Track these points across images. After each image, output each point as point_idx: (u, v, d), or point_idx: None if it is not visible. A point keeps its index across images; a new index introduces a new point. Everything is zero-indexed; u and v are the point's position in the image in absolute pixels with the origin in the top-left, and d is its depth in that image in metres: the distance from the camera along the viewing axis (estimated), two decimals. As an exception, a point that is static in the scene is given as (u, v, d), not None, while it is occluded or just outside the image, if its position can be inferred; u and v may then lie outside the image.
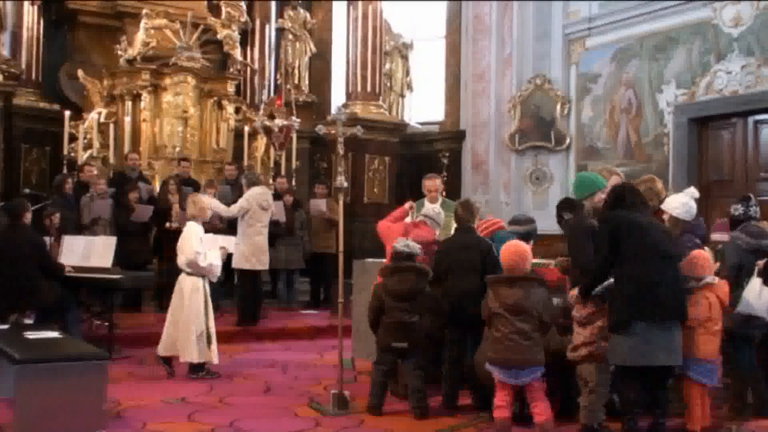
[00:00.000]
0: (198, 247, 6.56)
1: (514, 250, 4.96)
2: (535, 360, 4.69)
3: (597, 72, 12.10)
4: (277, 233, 10.22)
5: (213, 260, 6.64)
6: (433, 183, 7.29)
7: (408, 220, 6.74)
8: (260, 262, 8.93)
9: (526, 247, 5.06)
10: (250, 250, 8.83)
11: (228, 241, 9.25)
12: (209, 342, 6.59)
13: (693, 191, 5.72)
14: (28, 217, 7.07)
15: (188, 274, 6.67)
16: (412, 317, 5.47)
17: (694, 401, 4.88)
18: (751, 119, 10.24)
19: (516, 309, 4.69)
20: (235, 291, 9.88)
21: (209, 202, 9.13)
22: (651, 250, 4.61)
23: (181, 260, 6.69)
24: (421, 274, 5.55)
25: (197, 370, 6.68)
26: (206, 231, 9.58)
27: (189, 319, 6.55)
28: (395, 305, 5.49)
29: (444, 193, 7.88)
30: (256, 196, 8.93)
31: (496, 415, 4.77)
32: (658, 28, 11.21)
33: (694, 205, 5.54)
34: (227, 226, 9.52)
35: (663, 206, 5.50)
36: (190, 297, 6.60)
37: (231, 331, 8.81)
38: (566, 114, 12.50)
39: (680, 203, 5.46)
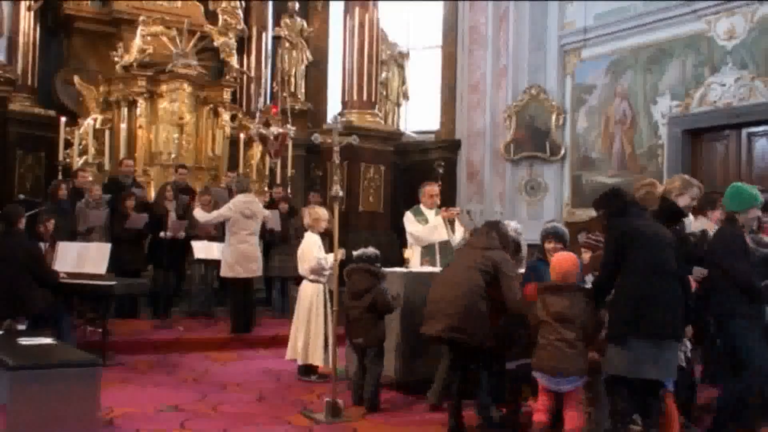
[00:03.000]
0: (319, 253, 6.81)
1: (566, 260, 4.96)
2: (577, 369, 4.69)
3: (592, 83, 12.16)
4: (271, 242, 10.24)
5: (333, 262, 6.79)
6: (435, 188, 7.55)
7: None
8: (246, 269, 8.87)
9: (576, 259, 5.04)
10: (234, 257, 8.81)
11: (218, 249, 9.31)
12: (326, 346, 6.75)
13: None
14: (22, 223, 7.05)
15: (311, 281, 6.92)
16: (363, 314, 6.00)
17: (671, 409, 4.92)
18: (744, 131, 10.31)
19: (561, 317, 4.70)
20: (227, 299, 9.90)
21: (195, 212, 9.20)
22: (650, 264, 4.56)
23: (304, 269, 6.93)
24: (375, 275, 6.12)
25: (309, 373, 6.96)
26: (200, 238, 9.69)
27: (315, 324, 6.81)
28: (350, 303, 6.05)
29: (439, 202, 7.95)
30: (239, 204, 8.90)
31: (535, 419, 4.79)
32: (652, 40, 11.28)
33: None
34: (222, 234, 9.53)
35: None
36: (315, 303, 6.86)
37: (224, 339, 8.82)
38: (561, 124, 12.54)
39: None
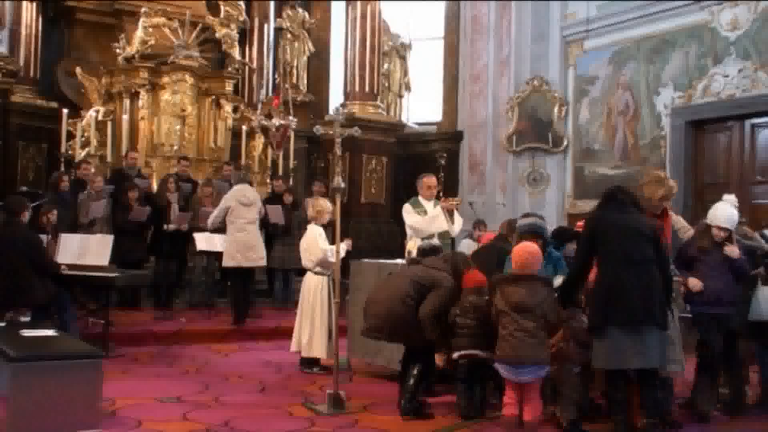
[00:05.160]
0: (324, 245, 6.80)
1: (526, 250, 4.97)
2: (538, 358, 4.70)
3: (594, 74, 12.12)
4: (274, 233, 10.25)
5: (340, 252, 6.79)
6: (433, 180, 7.52)
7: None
8: (246, 258, 8.96)
9: (537, 248, 5.05)
10: (234, 246, 8.93)
11: (220, 240, 9.33)
12: (329, 338, 6.74)
13: (732, 198, 5.80)
14: (26, 215, 7.07)
15: (315, 273, 6.92)
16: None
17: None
18: (747, 122, 10.26)
19: (520, 307, 4.71)
20: (228, 290, 9.91)
21: (209, 220, 9.25)
22: (620, 255, 4.65)
23: (310, 260, 6.93)
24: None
25: (311, 365, 6.94)
26: (202, 229, 9.72)
27: (319, 317, 6.81)
28: None
29: (441, 193, 7.96)
30: (235, 193, 9.05)
31: (504, 413, 4.80)
32: (655, 30, 11.24)
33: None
34: (224, 226, 9.54)
35: (716, 222, 5.49)
36: (318, 295, 6.86)
37: (226, 330, 8.84)
38: (563, 116, 12.51)
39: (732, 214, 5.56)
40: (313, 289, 6.90)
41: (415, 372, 5.45)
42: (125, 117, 11.43)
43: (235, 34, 12.82)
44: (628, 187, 5.19)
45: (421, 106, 15.05)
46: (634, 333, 4.56)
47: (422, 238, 7.29)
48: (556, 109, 12.52)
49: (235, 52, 12.76)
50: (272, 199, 10.64)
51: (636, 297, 4.57)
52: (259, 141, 12.43)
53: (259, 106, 13.04)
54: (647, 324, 4.60)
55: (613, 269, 4.64)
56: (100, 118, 11.52)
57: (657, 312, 4.64)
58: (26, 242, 6.90)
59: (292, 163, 12.47)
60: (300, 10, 14.69)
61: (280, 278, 10.60)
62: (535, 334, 4.66)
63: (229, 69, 12.61)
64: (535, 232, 5.42)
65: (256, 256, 9.08)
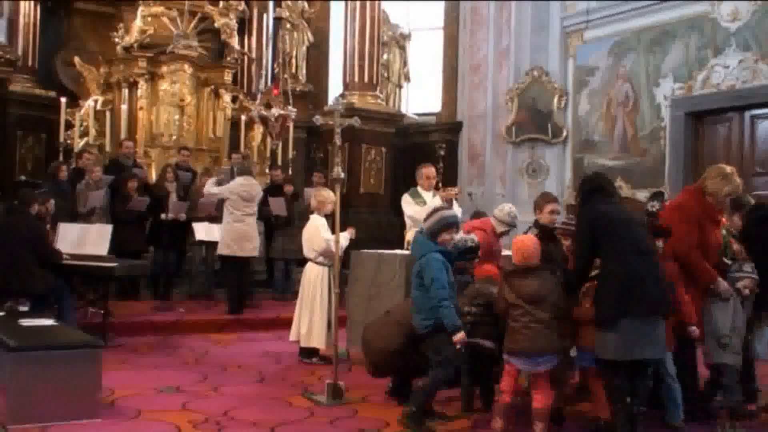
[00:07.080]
0: (327, 235, 6.77)
1: (527, 242, 4.95)
2: (554, 347, 4.73)
3: (594, 65, 12.09)
4: (276, 224, 10.26)
5: (343, 242, 6.75)
6: (432, 170, 7.50)
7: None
8: (241, 248, 9.04)
9: (537, 240, 5.02)
10: (230, 236, 9.00)
11: (219, 230, 9.33)
12: (328, 328, 6.74)
13: None
14: (34, 208, 7.13)
15: (317, 263, 6.90)
16: None
17: (599, 387, 4.93)
18: (747, 114, 10.24)
19: (534, 299, 4.71)
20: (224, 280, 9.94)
21: (207, 183, 9.35)
22: (632, 245, 4.61)
23: (313, 251, 6.90)
24: None
25: (310, 355, 6.95)
26: (202, 219, 9.73)
27: (319, 307, 6.80)
28: None
29: (440, 184, 7.95)
30: (237, 187, 9.10)
31: (501, 401, 4.82)
32: (655, 21, 11.20)
33: None
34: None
35: None
36: (318, 286, 6.85)
37: (225, 320, 8.85)
38: (563, 107, 12.49)
39: None
40: (313, 280, 6.90)
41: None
42: (124, 107, 11.41)
43: (234, 23, 12.77)
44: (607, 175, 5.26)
45: (420, 97, 15.03)
46: (647, 324, 4.53)
47: None
48: (555, 100, 12.49)
49: (234, 42, 12.72)
50: (272, 189, 10.62)
51: (654, 287, 4.55)
52: (258, 131, 12.42)
53: (259, 96, 13.01)
54: (663, 313, 4.62)
55: (627, 260, 4.58)
56: (98, 107, 11.51)
57: (668, 301, 4.66)
58: (30, 230, 6.92)
59: (291, 153, 12.46)
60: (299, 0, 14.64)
61: (281, 268, 10.60)
62: (549, 325, 4.68)
63: (228, 59, 12.58)
64: (456, 224, 5.40)
65: (251, 246, 9.15)
